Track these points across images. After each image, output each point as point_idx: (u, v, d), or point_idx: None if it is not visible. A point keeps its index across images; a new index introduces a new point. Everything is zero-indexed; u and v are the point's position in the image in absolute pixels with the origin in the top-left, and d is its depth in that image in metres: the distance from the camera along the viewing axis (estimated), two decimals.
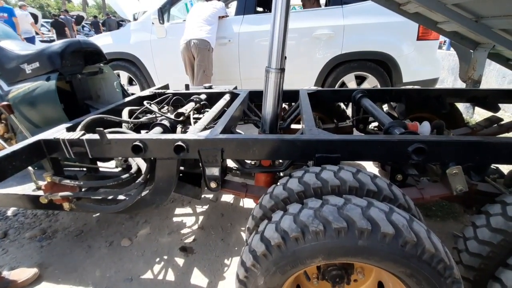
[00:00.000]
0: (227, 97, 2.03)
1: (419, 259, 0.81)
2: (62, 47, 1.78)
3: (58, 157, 1.40)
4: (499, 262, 1.01)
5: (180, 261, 1.71)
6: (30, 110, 1.76)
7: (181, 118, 1.62)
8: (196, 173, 1.61)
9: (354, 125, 2.12)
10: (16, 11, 8.64)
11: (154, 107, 1.83)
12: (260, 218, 1.06)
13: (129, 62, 4.00)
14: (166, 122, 1.55)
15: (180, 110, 1.67)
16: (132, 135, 1.35)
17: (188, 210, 2.20)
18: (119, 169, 1.63)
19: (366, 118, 2.07)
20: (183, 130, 1.58)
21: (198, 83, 3.44)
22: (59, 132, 1.37)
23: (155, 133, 1.44)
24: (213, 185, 1.30)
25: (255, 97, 2.14)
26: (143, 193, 1.40)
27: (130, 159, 1.56)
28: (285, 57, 1.39)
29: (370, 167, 2.48)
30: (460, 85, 4.42)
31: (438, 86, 3.95)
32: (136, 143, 1.22)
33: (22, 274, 1.56)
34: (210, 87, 2.25)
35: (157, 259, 1.73)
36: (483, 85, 2.18)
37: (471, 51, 2.14)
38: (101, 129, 1.23)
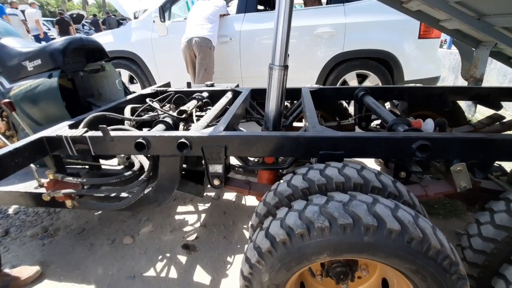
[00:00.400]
0: (229, 95, 2.03)
1: (425, 256, 0.81)
2: (64, 44, 1.78)
3: (60, 155, 1.39)
4: (503, 258, 1.01)
5: (182, 258, 1.71)
6: (32, 107, 1.75)
7: (183, 116, 1.61)
8: (198, 171, 1.61)
9: (356, 123, 2.12)
10: (27, 9, 8.57)
11: (156, 105, 1.83)
12: (264, 215, 1.06)
13: (130, 61, 3.99)
14: (168, 120, 1.55)
15: (182, 108, 1.66)
16: (135, 132, 1.34)
17: (190, 208, 2.20)
18: (122, 166, 1.63)
19: (369, 116, 2.07)
20: (185, 128, 1.57)
21: (200, 82, 3.44)
22: (62, 129, 1.36)
23: (158, 130, 1.44)
24: (216, 182, 1.30)
25: (257, 95, 2.14)
26: (146, 191, 1.40)
27: (132, 157, 1.56)
28: (288, 55, 1.39)
29: (372, 165, 2.48)
30: (461, 84, 4.41)
31: (439, 85, 3.94)
32: (139, 140, 1.21)
33: (24, 272, 1.56)
34: (212, 85, 2.25)
35: (160, 257, 1.73)
36: (484, 84, 2.17)
37: (473, 49, 2.14)
38: (104, 126, 1.23)
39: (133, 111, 1.77)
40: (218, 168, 1.27)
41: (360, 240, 0.81)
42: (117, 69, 3.83)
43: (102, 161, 1.74)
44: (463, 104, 2.64)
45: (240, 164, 1.44)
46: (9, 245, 1.86)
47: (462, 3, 1.60)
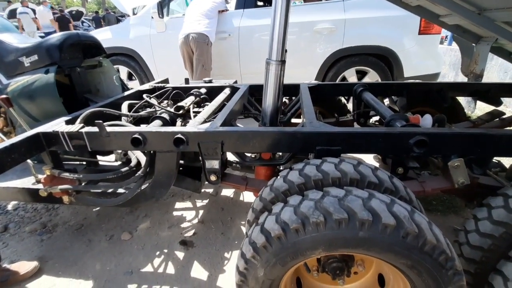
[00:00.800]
0: (227, 91, 2.02)
1: (420, 251, 0.80)
2: (61, 39, 1.77)
3: (57, 150, 1.39)
4: (500, 254, 1.00)
5: (180, 254, 1.71)
6: (29, 103, 1.74)
7: (180, 112, 1.61)
8: (196, 167, 1.61)
9: (355, 119, 2.11)
10: (38, 8, 8.59)
11: (153, 101, 1.82)
12: (260, 210, 1.05)
13: (129, 57, 3.97)
14: (165, 116, 1.54)
15: (180, 104, 1.66)
16: (132, 128, 1.34)
17: (188, 204, 2.20)
18: (119, 162, 1.63)
19: (367, 112, 2.06)
20: (182, 123, 1.57)
21: (198, 78, 3.42)
22: (58, 125, 1.36)
23: (154, 126, 1.44)
24: (213, 178, 1.29)
25: (255, 91, 2.13)
26: (143, 187, 1.40)
27: (129, 153, 1.56)
28: (286, 50, 1.37)
29: (370, 161, 2.47)
30: (461, 80, 4.39)
31: (439, 81, 3.92)
32: (136, 135, 1.21)
33: (23, 267, 1.57)
34: (210, 81, 2.24)
35: (157, 253, 1.73)
36: (485, 80, 2.16)
37: (474, 44, 2.12)
38: (100, 121, 1.22)
39: (130, 107, 1.77)
40: (214, 164, 1.26)
41: (355, 235, 0.81)
42: (115, 66, 3.84)
43: (99, 157, 1.73)
44: (462, 100, 2.62)
45: (237, 160, 1.44)
46: (8, 241, 1.87)
47: None
